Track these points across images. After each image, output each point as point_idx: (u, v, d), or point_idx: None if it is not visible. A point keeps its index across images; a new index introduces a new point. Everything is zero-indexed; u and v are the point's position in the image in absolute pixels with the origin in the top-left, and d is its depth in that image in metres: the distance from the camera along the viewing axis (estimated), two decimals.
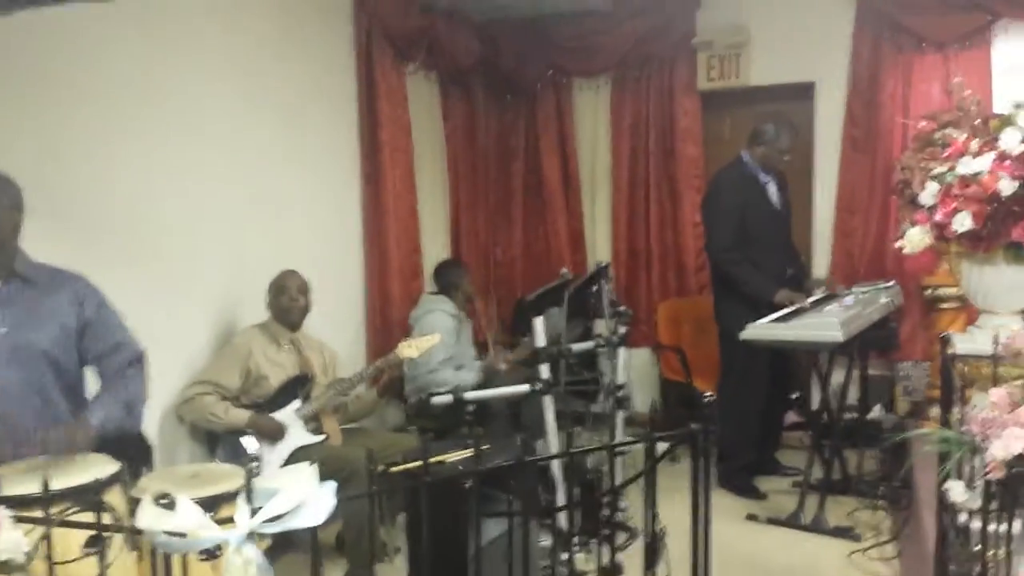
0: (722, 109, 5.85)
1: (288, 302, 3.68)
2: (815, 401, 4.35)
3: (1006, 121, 2.81)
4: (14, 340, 2.29)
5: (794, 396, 4.93)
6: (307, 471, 1.93)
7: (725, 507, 4.06)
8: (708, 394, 2.18)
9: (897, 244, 3.15)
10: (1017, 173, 2.68)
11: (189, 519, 1.68)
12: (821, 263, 5.50)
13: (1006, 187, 2.67)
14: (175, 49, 3.47)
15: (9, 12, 2.55)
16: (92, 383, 2.56)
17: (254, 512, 1.83)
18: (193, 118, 3.55)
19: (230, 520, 1.83)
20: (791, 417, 5.03)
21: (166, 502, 1.68)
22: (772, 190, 4.48)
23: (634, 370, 5.20)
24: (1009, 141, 2.75)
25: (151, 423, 3.25)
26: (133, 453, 2.51)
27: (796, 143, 4.54)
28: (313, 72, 4.38)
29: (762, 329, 3.77)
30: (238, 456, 3.32)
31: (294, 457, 3.44)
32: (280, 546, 2.77)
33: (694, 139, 5.74)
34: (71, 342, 2.42)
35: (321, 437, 3.59)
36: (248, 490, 1.84)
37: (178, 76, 3.48)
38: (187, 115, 3.51)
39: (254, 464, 3.01)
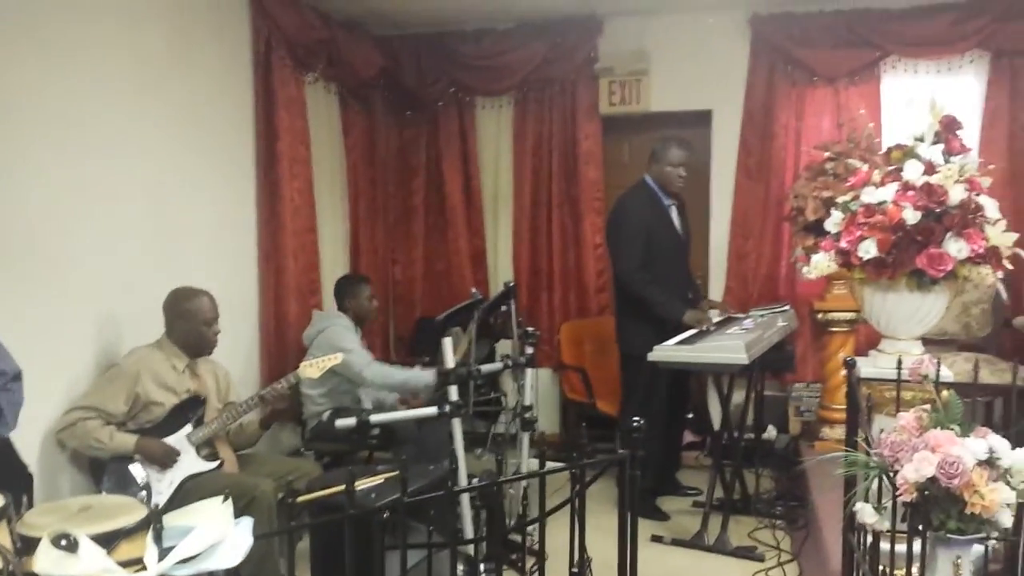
0: (622, 134, 5.92)
1: (205, 329, 3.45)
2: (715, 422, 4.41)
3: (909, 153, 2.91)
4: None
5: (689, 416, 5.02)
6: (220, 507, 1.80)
7: None
8: (637, 420, 2.14)
9: (804, 271, 3.22)
10: (920, 203, 2.78)
11: (93, 561, 1.53)
12: (716, 286, 5.62)
13: (910, 217, 2.77)
14: (64, 57, 3.26)
15: None
16: None
17: (163, 552, 1.69)
18: (78, 127, 3.34)
19: (136, 561, 1.68)
20: (686, 437, 5.11)
21: (66, 543, 1.53)
22: (674, 214, 4.53)
23: (535, 390, 5.17)
24: (912, 172, 2.86)
25: (30, 450, 2.99)
26: (13, 482, 2.33)
27: (689, 159, 4.50)
28: (209, 79, 4.19)
29: (668, 351, 3.79)
30: (127, 485, 3.10)
31: (186, 485, 3.24)
32: None
33: (595, 162, 5.77)
34: None
35: (215, 464, 3.39)
36: (158, 528, 1.70)
37: (65, 84, 3.27)
38: (72, 124, 3.30)
39: (142, 494, 2.81)
